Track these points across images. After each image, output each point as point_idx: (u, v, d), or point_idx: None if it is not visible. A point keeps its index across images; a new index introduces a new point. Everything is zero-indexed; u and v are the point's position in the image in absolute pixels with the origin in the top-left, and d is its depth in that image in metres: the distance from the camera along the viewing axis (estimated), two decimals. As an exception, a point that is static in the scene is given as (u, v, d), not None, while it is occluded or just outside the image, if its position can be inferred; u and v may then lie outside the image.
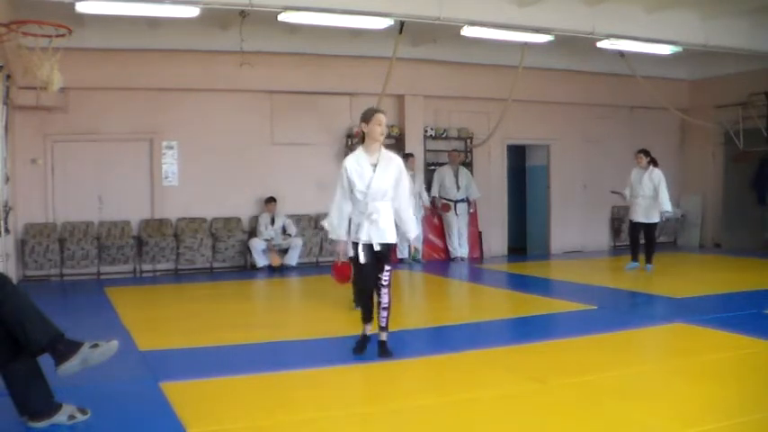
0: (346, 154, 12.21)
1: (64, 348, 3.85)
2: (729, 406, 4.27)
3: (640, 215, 10.57)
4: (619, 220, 14.00)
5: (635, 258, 10.67)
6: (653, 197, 10.37)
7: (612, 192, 11.34)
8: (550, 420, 4.02)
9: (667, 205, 10.36)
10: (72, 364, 3.83)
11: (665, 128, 14.49)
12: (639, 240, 10.70)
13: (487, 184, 13.10)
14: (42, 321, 3.87)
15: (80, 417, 4.02)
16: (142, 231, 11.17)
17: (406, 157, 12.20)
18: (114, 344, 4.00)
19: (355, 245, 5.65)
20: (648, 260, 10.51)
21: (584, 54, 12.21)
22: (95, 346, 3.92)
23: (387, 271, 5.60)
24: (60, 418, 3.95)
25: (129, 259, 10.85)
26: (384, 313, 5.56)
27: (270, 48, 11.23)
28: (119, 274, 10.88)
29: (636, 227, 10.77)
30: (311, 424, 4.11)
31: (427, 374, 5.43)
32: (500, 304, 8.81)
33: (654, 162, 10.57)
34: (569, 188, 13.85)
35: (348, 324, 7.51)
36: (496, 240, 13.42)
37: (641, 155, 10.61)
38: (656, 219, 10.47)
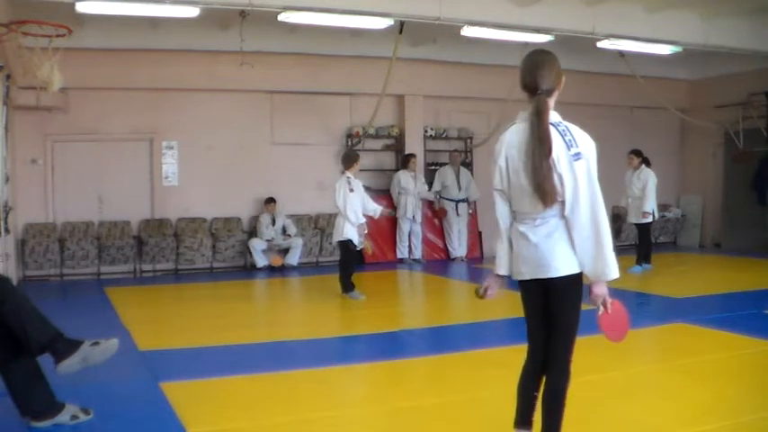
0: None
1: (64, 347, 3.84)
2: (729, 406, 4.27)
3: (632, 215, 10.59)
4: (619, 220, 13.99)
5: (647, 261, 10.61)
6: (642, 197, 10.35)
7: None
8: (550, 420, 4.02)
9: (648, 206, 10.23)
10: (72, 362, 3.82)
11: (665, 128, 14.49)
12: (648, 240, 10.69)
13: (488, 185, 13.00)
14: (42, 321, 3.87)
15: (83, 417, 4.02)
16: (142, 231, 11.17)
17: (409, 157, 12.22)
18: (114, 342, 3.99)
19: (521, 284, 3.35)
20: (643, 260, 10.43)
21: (584, 54, 12.19)
22: (96, 344, 3.91)
23: (566, 337, 3.24)
24: (63, 417, 3.95)
25: (129, 259, 10.85)
26: (555, 409, 3.21)
27: (270, 48, 11.22)
28: (119, 274, 10.87)
29: (635, 228, 10.80)
30: (311, 424, 4.11)
31: (428, 374, 5.43)
32: (500, 304, 8.77)
33: (646, 162, 10.56)
34: (569, 188, 13.82)
35: (348, 324, 7.52)
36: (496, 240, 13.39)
37: (632, 155, 10.60)
38: (646, 219, 10.42)
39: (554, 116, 3.16)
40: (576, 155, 3.07)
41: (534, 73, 3.22)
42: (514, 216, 3.31)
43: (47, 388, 3.94)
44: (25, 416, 3.93)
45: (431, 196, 12.45)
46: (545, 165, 3.04)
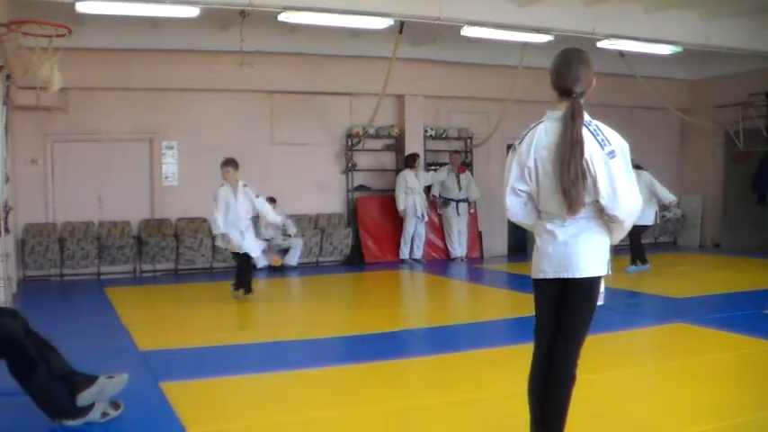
0: (346, 154, 12.50)
1: (82, 379, 3.99)
2: (729, 406, 4.27)
3: None
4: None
5: (643, 261, 10.64)
6: (645, 200, 10.33)
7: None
8: (550, 420, 4.01)
9: (671, 196, 10.47)
10: (90, 393, 3.96)
11: (665, 128, 14.49)
12: (639, 242, 10.70)
13: (488, 185, 13.10)
14: (61, 357, 4.02)
15: (113, 413, 4.09)
16: (142, 231, 11.17)
17: (412, 156, 12.21)
18: (125, 376, 4.16)
19: (538, 283, 3.30)
20: (632, 261, 10.40)
21: (584, 54, 12.19)
22: (110, 377, 4.08)
23: (577, 337, 3.22)
24: (94, 415, 4.01)
25: (129, 259, 10.84)
26: (560, 410, 3.20)
27: (270, 48, 11.22)
28: (119, 274, 10.87)
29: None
30: (311, 424, 4.11)
31: (428, 374, 5.43)
32: (500, 304, 8.81)
33: (637, 166, 10.61)
34: (569, 188, 13.81)
35: (348, 324, 7.52)
36: (496, 240, 13.41)
37: None
38: (644, 222, 10.25)
39: (584, 116, 3.12)
40: (611, 153, 3.05)
41: (569, 74, 3.17)
42: (539, 215, 3.27)
43: (72, 389, 3.99)
44: (55, 418, 3.97)
45: (443, 175, 12.37)
46: (573, 170, 3.01)
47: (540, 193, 3.19)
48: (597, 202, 3.09)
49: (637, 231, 10.58)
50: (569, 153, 3.02)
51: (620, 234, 3.22)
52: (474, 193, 12.58)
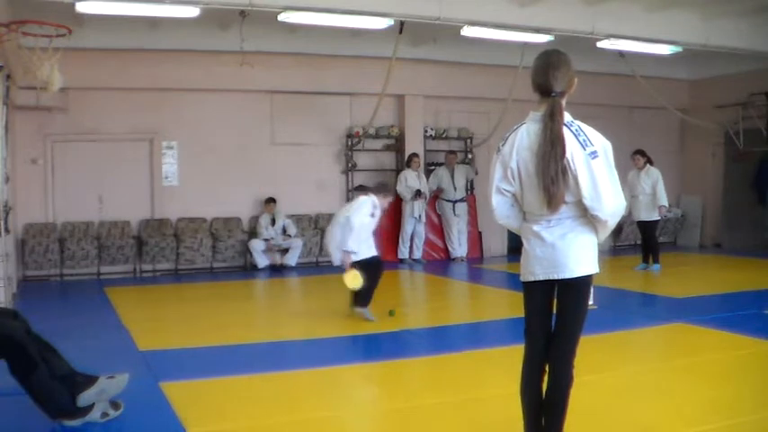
0: (346, 154, 12.51)
1: (83, 380, 3.99)
2: (729, 406, 4.28)
3: (642, 214, 10.59)
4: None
5: (644, 259, 10.66)
6: (652, 194, 10.42)
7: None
8: (550, 420, 4.01)
9: (664, 200, 10.42)
10: (90, 394, 3.96)
11: (665, 128, 14.48)
12: (652, 239, 10.72)
13: (488, 184, 13.07)
14: (61, 358, 4.03)
15: (113, 413, 4.09)
16: (142, 231, 11.16)
17: (412, 156, 12.21)
18: (126, 376, 4.16)
19: (527, 285, 3.34)
20: (654, 260, 10.51)
21: (584, 54, 12.14)
22: (111, 377, 4.09)
23: (572, 337, 3.20)
24: (94, 415, 4.02)
25: (129, 259, 10.84)
26: (558, 411, 3.21)
27: (270, 48, 11.22)
28: (119, 274, 10.87)
29: (638, 226, 10.82)
30: (311, 424, 4.11)
31: (428, 374, 5.43)
32: (500, 304, 8.82)
33: (649, 161, 10.68)
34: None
35: (348, 324, 7.52)
36: (496, 240, 13.40)
37: (638, 156, 10.70)
38: (655, 216, 10.50)
39: (566, 116, 3.12)
40: (593, 153, 3.04)
41: (549, 74, 3.13)
42: (525, 216, 3.29)
43: (72, 389, 3.99)
44: (56, 419, 3.98)
45: (439, 175, 12.45)
46: (553, 167, 3.02)
47: (524, 193, 3.21)
48: (581, 202, 3.10)
49: (648, 228, 10.61)
50: (550, 150, 3.04)
51: (605, 233, 3.24)
52: (470, 173, 12.60)
